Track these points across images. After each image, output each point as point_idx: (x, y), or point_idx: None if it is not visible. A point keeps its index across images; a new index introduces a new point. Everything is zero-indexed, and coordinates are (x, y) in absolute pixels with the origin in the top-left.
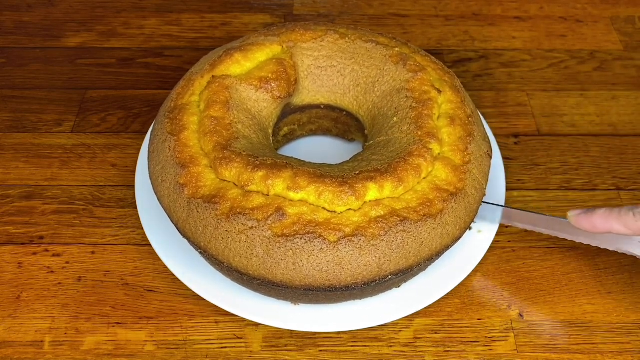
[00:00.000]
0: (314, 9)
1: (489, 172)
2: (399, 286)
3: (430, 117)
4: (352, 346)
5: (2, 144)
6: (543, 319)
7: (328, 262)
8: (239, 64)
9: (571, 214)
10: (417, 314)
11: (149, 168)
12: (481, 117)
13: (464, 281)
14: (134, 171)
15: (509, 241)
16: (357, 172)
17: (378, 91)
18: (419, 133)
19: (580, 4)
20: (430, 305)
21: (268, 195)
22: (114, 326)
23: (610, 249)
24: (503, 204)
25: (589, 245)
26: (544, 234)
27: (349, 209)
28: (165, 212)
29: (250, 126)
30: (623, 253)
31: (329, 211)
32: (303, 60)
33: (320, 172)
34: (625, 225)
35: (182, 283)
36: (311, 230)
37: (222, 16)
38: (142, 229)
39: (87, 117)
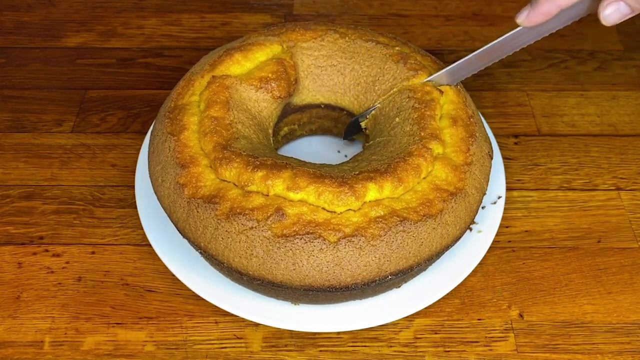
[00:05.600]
0: (314, 9)
1: (489, 172)
2: (399, 286)
3: (432, 118)
4: (352, 346)
5: (2, 144)
6: (543, 319)
7: (328, 262)
8: (239, 64)
9: (520, 19)
10: (417, 314)
11: (149, 168)
12: (481, 117)
13: (464, 281)
14: (134, 171)
15: (509, 241)
16: (357, 172)
17: (379, 90)
18: (422, 134)
19: None
20: (430, 305)
21: (268, 195)
22: (113, 326)
23: (559, 28)
24: (503, 198)
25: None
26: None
27: (349, 209)
28: (165, 212)
29: (250, 126)
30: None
31: (328, 211)
32: (303, 59)
33: (320, 172)
34: None
35: (182, 283)
36: (311, 231)
37: (222, 16)
38: (142, 229)
39: (87, 117)
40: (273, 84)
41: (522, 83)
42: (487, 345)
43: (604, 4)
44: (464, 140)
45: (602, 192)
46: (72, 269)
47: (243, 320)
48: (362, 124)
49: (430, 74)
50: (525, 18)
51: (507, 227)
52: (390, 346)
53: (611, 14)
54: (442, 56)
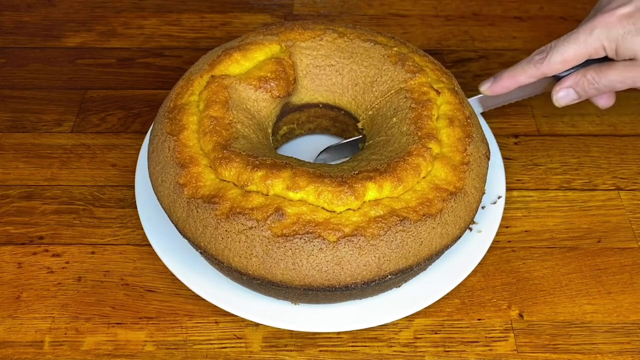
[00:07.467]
0: (314, 9)
1: (486, 173)
2: (399, 286)
3: (429, 118)
4: (352, 346)
5: (2, 144)
6: (543, 319)
7: (327, 262)
8: (238, 64)
9: (483, 88)
10: (417, 314)
11: (148, 168)
12: (481, 117)
13: (464, 281)
14: (133, 171)
15: (509, 241)
16: (357, 171)
17: (376, 91)
18: (419, 133)
19: (581, 3)
20: (430, 305)
21: (267, 195)
22: (113, 326)
23: (531, 95)
24: (504, 199)
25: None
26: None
27: (348, 209)
28: (165, 212)
29: (250, 126)
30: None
31: (328, 211)
32: (302, 59)
33: (319, 172)
34: (530, 75)
35: (182, 283)
36: (310, 230)
37: (222, 16)
38: (142, 229)
39: (87, 117)
40: (272, 84)
41: None
42: (487, 345)
43: (557, 89)
44: (461, 141)
45: (602, 192)
46: (72, 269)
47: (243, 320)
48: (359, 124)
49: (428, 76)
50: (488, 88)
51: (507, 227)
52: (390, 346)
53: (562, 97)
54: (442, 56)
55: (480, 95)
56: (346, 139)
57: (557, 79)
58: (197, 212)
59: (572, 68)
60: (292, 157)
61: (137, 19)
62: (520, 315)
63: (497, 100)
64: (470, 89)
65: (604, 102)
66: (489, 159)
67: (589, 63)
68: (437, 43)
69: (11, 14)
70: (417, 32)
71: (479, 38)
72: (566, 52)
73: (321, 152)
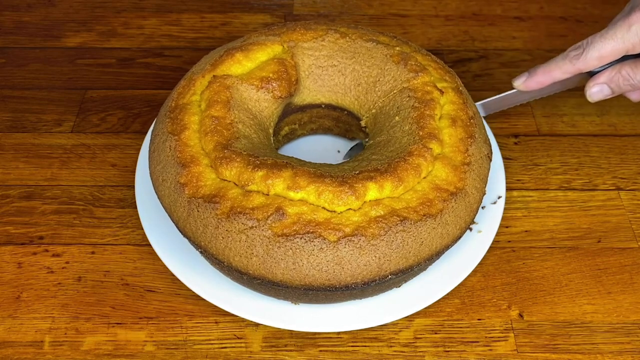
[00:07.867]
0: (314, 9)
1: (488, 174)
2: (399, 286)
3: (432, 118)
4: (352, 346)
5: (2, 144)
6: (543, 319)
7: (328, 261)
8: (240, 64)
9: (517, 83)
10: (417, 314)
11: (149, 167)
12: (482, 118)
13: (464, 281)
14: (134, 171)
15: (509, 241)
16: (357, 171)
17: (379, 91)
18: (420, 133)
19: (580, 3)
20: (430, 305)
21: (268, 194)
22: (113, 326)
23: (558, 91)
24: (504, 198)
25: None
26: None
27: (349, 209)
28: (166, 211)
29: (251, 126)
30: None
31: (328, 211)
32: (304, 59)
33: (320, 172)
34: (565, 71)
35: (182, 283)
36: (311, 230)
37: (222, 16)
38: (142, 229)
39: (87, 117)
40: (274, 84)
41: None
42: (487, 345)
43: (590, 84)
44: (463, 141)
45: (602, 192)
46: (72, 269)
47: (243, 320)
48: (362, 123)
49: (431, 75)
50: (522, 83)
51: (507, 227)
52: (390, 346)
53: (596, 92)
54: (442, 56)
55: (484, 101)
56: (351, 138)
57: (590, 74)
58: (198, 211)
59: (607, 64)
60: (293, 157)
61: (137, 19)
62: (520, 315)
63: (516, 99)
64: (471, 89)
65: (637, 96)
66: (490, 160)
67: (623, 59)
68: (437, 43)
69: (11, 14)
70: (417, 32)
71: (479, 38)
72: (603, 49)
73: (351, 149)
